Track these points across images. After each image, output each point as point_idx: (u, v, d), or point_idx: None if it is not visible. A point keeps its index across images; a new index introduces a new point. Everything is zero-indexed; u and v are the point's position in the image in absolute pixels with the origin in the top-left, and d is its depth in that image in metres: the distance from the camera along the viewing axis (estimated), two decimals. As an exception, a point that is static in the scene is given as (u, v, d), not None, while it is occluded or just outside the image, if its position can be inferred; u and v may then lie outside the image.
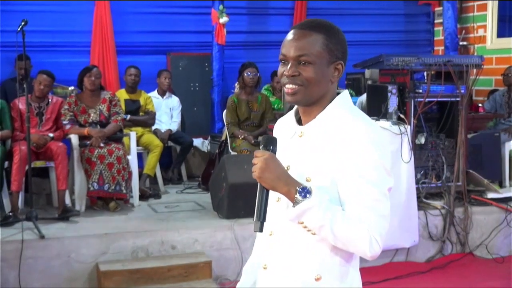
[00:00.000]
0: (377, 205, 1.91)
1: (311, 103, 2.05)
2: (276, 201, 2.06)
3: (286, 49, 2.03)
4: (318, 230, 1.91)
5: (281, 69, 2.06)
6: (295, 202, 1.90)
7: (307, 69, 1.99)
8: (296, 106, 2.15)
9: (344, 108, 2.05)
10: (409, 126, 6.03)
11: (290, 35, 2.04)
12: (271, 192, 2.01)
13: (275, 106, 7.93)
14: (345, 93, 2.11)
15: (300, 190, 1.90)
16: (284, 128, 2.15)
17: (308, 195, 1.89)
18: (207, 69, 8.72)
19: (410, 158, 5.87)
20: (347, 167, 1.93)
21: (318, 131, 2.03)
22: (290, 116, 2.17)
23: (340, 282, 2.04)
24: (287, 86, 2.03)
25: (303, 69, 2.00)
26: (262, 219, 1.95)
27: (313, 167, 1.98)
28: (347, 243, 1.91)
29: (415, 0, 10.08)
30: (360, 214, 1.90)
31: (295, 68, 2.01)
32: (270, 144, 2.00)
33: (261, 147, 2.01)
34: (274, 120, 7.42)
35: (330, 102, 2.06)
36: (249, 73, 7.25)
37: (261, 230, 1.96)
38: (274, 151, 1.99)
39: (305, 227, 1.93)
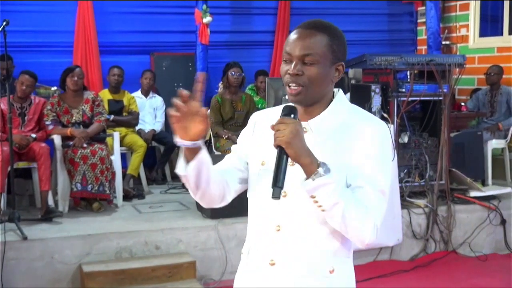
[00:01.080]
0: (382, 197, 1.96)
1: (313, 102, 2.06)
2: (283, 196, 2.02)
3: (291, 48, 2.03)
4: (331, 207, 1.89)
5: (284, 67, 2.05)
6: (315, 174, 1.87)
7: (311, 69, 2.00)
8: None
9: (345, 105, 2.11)
10: (392, 125, 6.06)
11: (294, 34, 2.04)
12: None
13: (259, 105, 7.93)
14: (342, 92, 2.15)
15: (322, 164, 1.88)
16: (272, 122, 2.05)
17: (328, 172, 1.87)
18: (191, 69, 8.70)
19: (394, 157, 5.89)
20: (360, 158, 1.96)
21: (324, 127, 2.05)
22: (275, 111, 2.15)
23: (349, 274, 2.11)
24: (290, 85, 2.03)
25: (307, 69, 2.01)
26: (281, 185, 1.90)
27: (325, 161, 1.95)
28: (352, 227, 1.92)
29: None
30: (368, 202, 1.92)
31: (299, 67, 2.01)
32: (294, 113, 1.96)
33: (283, 115, 1.95)
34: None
35: (331, 100, 2.09)
36: (233, 73, 7.26)
37: (279, 197, 1.90)
38: (300, 121, 1.96)
39: (316, 202, 1.90)
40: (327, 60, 2.02)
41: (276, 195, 1.90)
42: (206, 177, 2.07)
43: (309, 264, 2.04)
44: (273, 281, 2.10)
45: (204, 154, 2.02)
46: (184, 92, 1.92)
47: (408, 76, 6.68)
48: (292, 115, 1.94)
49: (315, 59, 2.00)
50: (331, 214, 1.92)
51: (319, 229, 2.01)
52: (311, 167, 1.88)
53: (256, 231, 2.18)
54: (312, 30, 2.02)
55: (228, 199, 2.23)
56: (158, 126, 7.92)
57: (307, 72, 2.00)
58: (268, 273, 2.11)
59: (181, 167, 2.05)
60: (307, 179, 1.89)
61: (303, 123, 2.05)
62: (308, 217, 1.99)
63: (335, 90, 2.15)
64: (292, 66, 2.01)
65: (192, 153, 2.02)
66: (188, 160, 2.04)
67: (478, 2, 9.32)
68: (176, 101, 1.93)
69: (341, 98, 2.11)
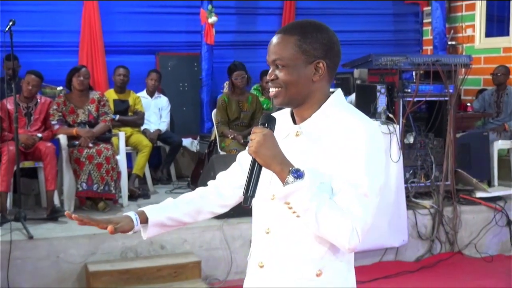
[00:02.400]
0: (365, 200, 1.93)
1: (298, 104, 2.08)
2: (271, 199, 2.07)
3: (267, 54, 2.10)
4: (303, 213, 1.92)
5: None
6: (286, 182, 1.91)
7: (282, 72, 2.05)
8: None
9: (339, 106, 2.08)
10: (398, 126, 6.04)
11: (270, 41, 2.11)
12: (266, 190, 2.05)
13: (264, 106, 7.93)
14: (339, 92, 2.13)
15: (293, 171, 1.91)
16: (277, 127, 2.13)
17: (300, 177, 1.89)
18: (196, 69, 8.71)
19: (399, 158, 5.89)
20: (341, 160, 1.95)
21: (315, 129, 2.05)
22: (285, 115, 2.19)
23: (339, 277, 2.07)
24: (269, 89, 2.11)
25: (279, 72, 2.06)
26: (252, 193, 1.95)
27: (312, 166, 1.98)
28: (329, 232, 1.92)
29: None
30: (347, 205, 1.91)
31: (273, 72, 2.07)
32: (269, 122, 2.02)
33: (259, 124, 2.02)
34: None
35: (323, 101, 2.08)
36: (236, 78, 7.28)
37: (249, 204, 1.96)
38: (272, 130, 2.01)
39: (290, 208, 1.94)
40: (299, 61, 2.03)
41: (245, 203, 1.96)
42: (172, 223, 2.31)
43: (295, 267, 2.04)
44: (261, 283, 2.13)
45: (151, 222, 2.29)
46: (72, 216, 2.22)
47: (414, 77, 6.67)
48: (267, 124, 2.00)
49: (283, 62, 2.04)
50: (306, 220, 1.94)
51: (306, 232, 2.01)
52: (282, 174, 1.92)
53: (253, 234, 2.21)
54: (281, 34, 2.08)
55: (228, 206, 2.36)
56: (163, 126, 7.92)
57: (279, 76, 2.05)
58: (258, 275, 2.15)
59: (143, 235, 2.31)
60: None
61: (296, 127, 2.10)
62: (295, 220, 1.99)
63: (337, 90, 2.15)
64: (269, 71, 2.09)
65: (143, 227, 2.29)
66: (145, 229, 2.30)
67: (484, 2, 9.30)
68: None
69: (334, 99, 2.10)
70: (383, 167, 2.02)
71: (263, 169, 1.97)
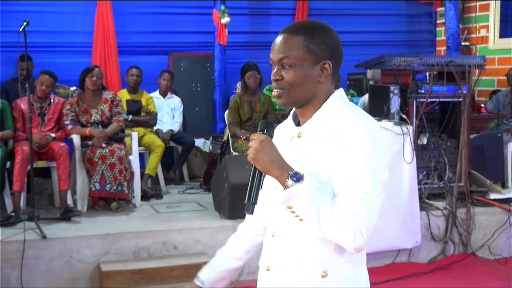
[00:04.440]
0: (367, 198, 1.92)
1: (301, 104, 2.08)
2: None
3: (271, 53, 2.09)
4: (304, 216, 1.92)
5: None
6: (285, 186, 1.91)
7: (289, 72, 2.04)
8: (293, 110, 2.19)
9: (338, 105, 2.08)
10: (411, 127, 6.02)
11: (275, 40, 2.09)
12: (272, 194, 2.04)
13: (277, 106, 7.92)
14: (339, 91, 2.13)
15: (292, 174, 1.91)
16: (284, 132, 2.18)
17: (299, 181, 1.90)
18: (208, 69, 8.72)
19: (412, 159, 5.86)
20: (342, 159, 1.94)
21: (315, 129, 2.05)
22: (289, 120, 2.20)
23: (347, 279, 2.05)
24: (273, 90, 2.10)
25: (286, 72, 2.05)
26: (253, 201, 1.97)
27: (312, 166, 1.98)
28: (332, 233, 1.92)
29: (417, 0, 10.05)
30: (349, 205, 1.90)
31: (278, 72, 2.06)
32: (267, 128, 2.03)
33: (258, 131, 2.03)
34: (276, 120, 7.45)
35: (325, 101, 2.08)
36: (249, 78, 7.27)
37: (252, 212, 1.97)
38: (270, 136, 2.02)
39: (293, 212, 1.94)
40: (306, 61, 2.03)
41: (247, 211, 1.98)
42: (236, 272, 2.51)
43: (300, 268, 2.04)
44: (268, 286, 2.13)
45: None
46: None
47: (427, 77, 6.64)
48: (267, 130, 2.02)
49: (290, 61, 2.03)
50: (308, 222, 1.93)
51: (310, 234, 2.00)
52: (281, 178, 1.93)
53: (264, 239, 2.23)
54: (287, 33, 2.06)
55: None
56: (176, 126, 7.94)
57: (286, 76, 2.04)
58: (265, 278, 2.16)
59: None
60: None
61: (298, 128, 2.11)
62: (299, 223, 1.98)
63: (338, 89, 2.14)
64: (274, 71, 2.08)
65: None
66: None
67: (498, 3, 9.25)
68: None
69: (335, 98, 2.09)
70: (385, 163, 1.99)
71: (266, 175, 1.98)
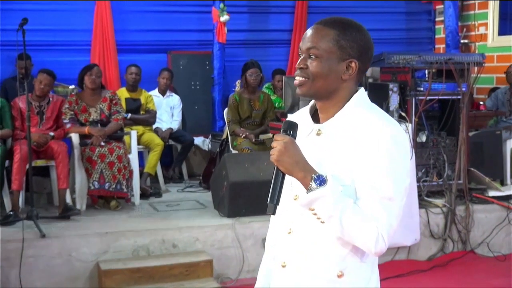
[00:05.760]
0: (390, 204, 1.92)
1: (321, 97, 2.06)
2: (294, 199, 2.05)
3: (302, 42, 2.07)
4: (327, 219, 1.92)
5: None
6: (309, 189, 1.91)
7: (314, 63, 2.02)
8: (312, 103, 2.17)
9: (363, 106, 2.06)
10: (410, 124, 6.02)
11: (307, 31, 2.08)
12: (289, 191, 2.04)
13: (276, 104, 7.92)
14: (362, 91, 2.10)
15: (316, 177, 1.91)
16: (300, 124, 2.11)
17: (323, 184, 1.89)
18: (208, 67, 8.71)
19: (412, 156, 5.86)
20: (365, 163, 1.94)
21: (337, 129, 2.03)
22: (305, 113, 2.17)
23: (362, 278, 2.06)
24: (296, 77, 2.07)
25: (311, 62, 2.03)
26: (276, 201, 1.95)
27: (333, 166, 1.97)
28: (354, 237, 1.92)
29: (416, -2, 10.06)
30: (372, 210, 1.90)
31: (304, 61, 2.04)
32: (291, 129, 2.01)
33: (281, 131, 2.01)
34: (276, 119, 7.45)
35: (348, 100, 2.06)
36: (251, 74, 7.27)
37: (274, 212, 1.97)
38: (294, 136, 2.00)
39: (315, 214, 1.94)
40: (333, 55, 2.01)
41: (270, 211, 1.96)
42: None
43: (316, 267, 2.04)
44: (283, 283, 2.12)
45: None
46: None
47: (426, 75, 6.63)
48: (288, 131, 2.00)
49: (318, 52, 2.01)
50: (331, 225, 1.94)
51: (328, 233, 2.00)
52: (305, 180, 1.93)
53: (276, 235, 2.20)
54: (321, 25, 2.05)
55: None
56: (175, 124, 7.94)
57: (311, 65, 2.03)
58: (280, 275, 2.14)
59: None
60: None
61: (319, 126, 2.08)
62: (317, 221, 1.98)
63: (360, 89, 2.11)
64: (300, 59, 2.06)
65: None
66: None
67: (497, 1, 9.24)
68: None
69: (358, 98, 2.06)
70: (407, 168, 1.99)
71: (287, 176, 1.97)
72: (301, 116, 2.17)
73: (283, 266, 2.12)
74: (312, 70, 2.02)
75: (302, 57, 2.06)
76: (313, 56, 2.02)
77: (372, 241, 1.89)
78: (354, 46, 2.03)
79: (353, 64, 2.03)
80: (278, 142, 1.95)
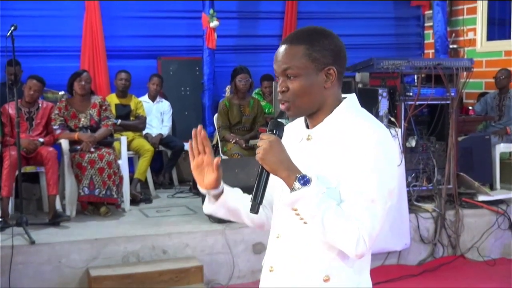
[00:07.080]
0: (373, 206, 1.92)
1: (311, 112, 2.08)
2: (283, 205, 2.07)
3: (274, 65, 2.08)
4: (310, 219, 1.93)
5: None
6: (292, 189, 1.92)
7: (294, 83, 2.03)
8: None
9: (351, 111, 2.08)
10: (399, 129, 6.04)
11: (277, 51, 2.08)
12: (279, 196, 2.07)
13: (266, 110, 7.93)
14: (352, 97, 2.13)
15: (300, 177, 1.92)
16: (294, 132, 2.17)
17: (307, 184, 1.90)
18: (197, 73, 8.71)
19: (401, 161, 5.88)
20: (351, 167, 1.94)
21: (325, 133, 2.05)
22: (300, 121, 2.19)
23: (349, 283, 2.05)
24: (280, 103, 2.09)
25: (291, 83, 2.04)
26: (259, 200, 1.99)
27: (320, 170, 1.98)
28: (335, 238, 1.93)
29: (406, 0, 10.06)
30: (354, 212, 1.91)
31: (284, 83, 2.05)
32: (277, 128, 2.04)
33: (267, 131, 2.03)
34: (266, 124, 7.45)
35: (336, 106, 2.07)
36: (241, 80, 7.27)
37: (257, 211, 1.99)
38: (280, 136, 2.02)
39: (297, 214, 1.95)
40: (309, 69, 2.02)
41: (253, 210, 2.00)
42: (232, 214, 2.27)
43: (303, 271, 2.05)
44: (271, 287, 2.14)
45: (223, 199, 2.24)
46: (198, 131, 2.21)
47: (416, 80, 6.66)
48: (274, 131, 2.02)
49: (294, 72, 2.02)
50: (313, 226, 1.95)
51: (315, 238, 2.00)
52: (289, 180, 1.94)
53: (269, 241, 2.22)
54: (288, 44, 2.05)
55: (255, 223, 2.32)
56: (165, 130, 7.93)
57: (291, 86, 2.03)
58: (268, 279, 2.16)
59: (205, 207, 2.31)
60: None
61: (308, 131, 2.10)
62: (304, 226, 1.99)
63: (351, 94, 2.13)
64: (279, 83, 2.07)
65: (214, 196, 2.26)
66: (213, 201, 2.26)
67: (486, 6, 9.29)
68: (192, 154, 2.29)
69: (347, 104, 2.09)
70: (393, 172, 2.01)
71: (282, 182, 1.98)
72: (297, 123, 2.21)
73: (271, 271, 2.14)
74: (294, 91, 2.03)
75: (280, 80, 2.06)
76: (291, 77, 2.03)
77: (353, 242, 1.90)
78: (326, 53, 2.04)
79: (331, 71, 2.05)
80: (264, 141, 1.97)
